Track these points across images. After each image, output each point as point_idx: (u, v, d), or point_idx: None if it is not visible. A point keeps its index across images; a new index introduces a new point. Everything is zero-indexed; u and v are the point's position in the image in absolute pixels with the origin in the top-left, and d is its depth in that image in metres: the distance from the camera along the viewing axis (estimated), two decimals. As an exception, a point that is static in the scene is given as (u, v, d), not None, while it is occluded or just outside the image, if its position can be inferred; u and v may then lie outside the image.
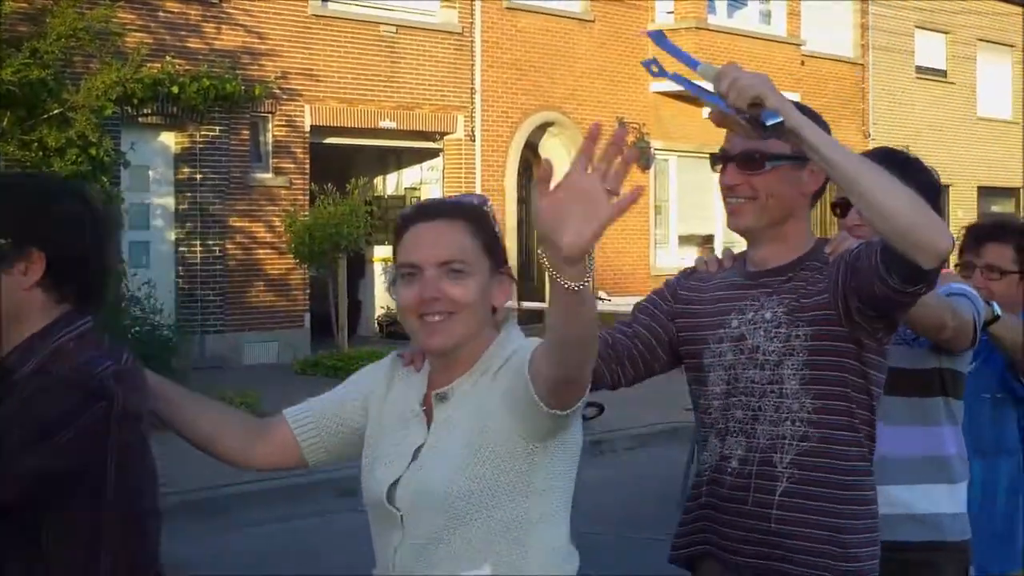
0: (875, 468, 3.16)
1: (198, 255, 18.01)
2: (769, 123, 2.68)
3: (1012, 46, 33.49)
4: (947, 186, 30.82)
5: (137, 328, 14.50)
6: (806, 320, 3.01)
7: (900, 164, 3.72)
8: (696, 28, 24.08)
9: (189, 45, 17.88)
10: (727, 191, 3.12)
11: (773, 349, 3.04)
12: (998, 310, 3.92)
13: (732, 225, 3.15)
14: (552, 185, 2.15)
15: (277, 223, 18.44)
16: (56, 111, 13.84)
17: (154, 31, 17.45)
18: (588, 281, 2.20)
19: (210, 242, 18.08)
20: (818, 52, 27.25)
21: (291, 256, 18.02)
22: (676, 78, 2.87)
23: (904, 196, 2.67)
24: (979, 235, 4.46)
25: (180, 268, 17.97)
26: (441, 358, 2.65)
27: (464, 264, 2.59)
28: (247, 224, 18.49)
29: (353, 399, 2.80)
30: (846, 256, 2.96)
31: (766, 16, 26.26)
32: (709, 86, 2.80)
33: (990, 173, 32.37)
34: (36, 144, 13.65)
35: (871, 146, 28.99)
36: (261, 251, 18.68)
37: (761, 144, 3.02)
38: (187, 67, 17.47)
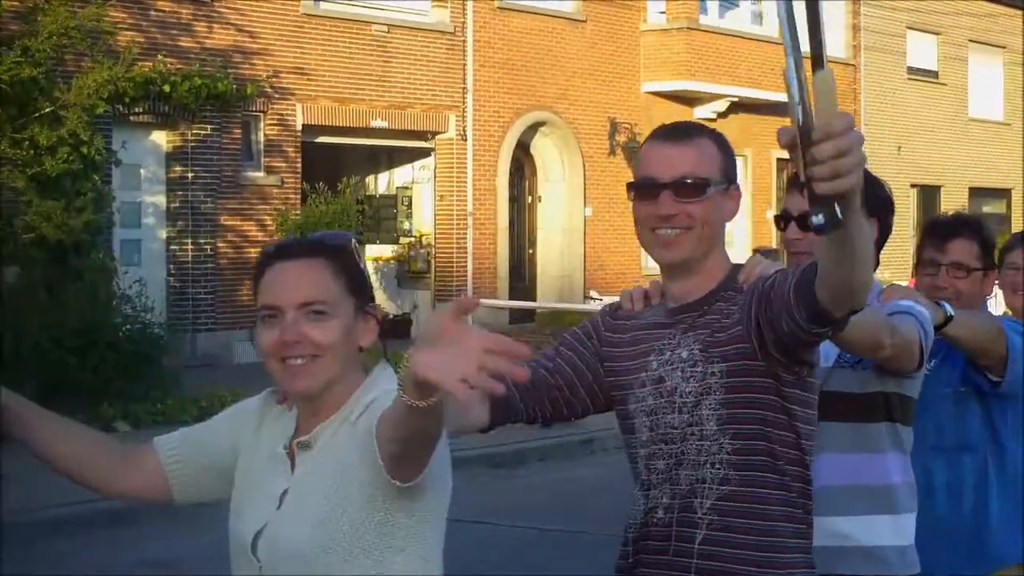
0: (817, 498, 3.00)
1: (189, 253, 18.00)
2: (824, 223, 2.10)
3: (1003, 47, 33.56)
4: (938, 187, 30.97)
5: (128, 326, 14.48)
6: (720, 356, 2.83)
7: None
8: (688, 28, 24.10)
9: (181, 44, 17.87)
10: (659, 221, 2.89)
11: (690, 390, 2.86)
12: (950, 310, 3.73)
13: (666, 258, 2.92)
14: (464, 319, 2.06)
15: (268, 222, 18.45)
16: (47, 109, 13.83)
17: (146, 30, 17.43)
18: (429, 403, 2.09)
19: (201, 240, 18.08)
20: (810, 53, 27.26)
21: (283, 255, 17.99)
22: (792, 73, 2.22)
23: (871, 254, 2.48)
24: (943, 232, 4.27)
25: (171, 266, 17.96)
26: (307, 402, 2.55)
27: (326, 305, 2.49)
28: (238, 223, 18.49)
29: (223, 435, 2.70)
30: (760, 284, 2.76)
31: (757, 16, 26.30)
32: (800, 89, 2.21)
33: (981, 174, 32.43)
34: (27, 142, 13.63)
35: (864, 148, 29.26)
36: (252, 250, 18.65)
37: (696, 167, 2.87)
38: (179, 66, 17.46)
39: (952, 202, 30.41)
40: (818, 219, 2.09)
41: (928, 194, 30.72)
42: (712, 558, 2.83)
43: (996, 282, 4.59)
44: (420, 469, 2.34)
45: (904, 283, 4.20)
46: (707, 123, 25.13)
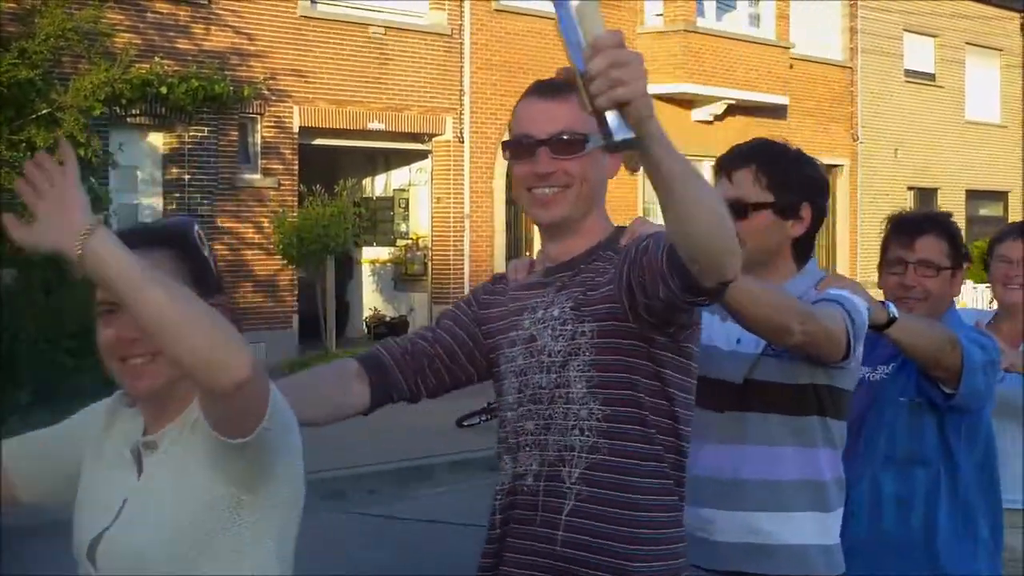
0: (738, 492, 2.88)
1: (186, 256, 17.98)
2: (618, 138, 2.13)
3: (1000, 50, 33.59)
4: (935, 189, 30.98)
5: (125, 329, 14.48)
6: (591, 315, 2.72)
7: (782, 156, 3.42)
8: (685, 31, 24.09)
9: (178, 46, 17.86)
10: (537, 180, 2.79)
11: (559, 349, 2.76)
12: (894, 312, 3.54)
13: (544, 218, 2.83)
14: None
15: (265, 224, 18.43)
16: (44, 111, 13.84)
17: (143, 32, 17.43)
18: (85, 239, 2.06)
19: (198, 243, 18.04)
20: (807, 55, 27.28)
21: (279, 257, 18.01)
22: None
23: (717, 215, 2.37)
24: (911, 228, 4.05)
25: (168, 269, 17.93)
26: (151, 402, 2.40)
27: None
28: (235, 225, 18.47)
29: (70, 438, 2.55)
30: (634, 247, 2.65)
31: (755, 19, 26.29)
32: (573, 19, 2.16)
33: (978, 177, 32.45)
34: (24, 144, 13.63)
35: (860, 149, 29.17)
36: (249, 252, 18.66)
37: (572, 123, 2.75)
38: (176, 68, 17.45)
39: (949, 205, 30.41)
40: (607, 135, 2.12)
41: (925, 197, 30.71)
42: (579, 531, 2.72)
43: (987, 277, 4.47)
44: (249, 421, 2.19)
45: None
46: (705, 126, 25.14)
